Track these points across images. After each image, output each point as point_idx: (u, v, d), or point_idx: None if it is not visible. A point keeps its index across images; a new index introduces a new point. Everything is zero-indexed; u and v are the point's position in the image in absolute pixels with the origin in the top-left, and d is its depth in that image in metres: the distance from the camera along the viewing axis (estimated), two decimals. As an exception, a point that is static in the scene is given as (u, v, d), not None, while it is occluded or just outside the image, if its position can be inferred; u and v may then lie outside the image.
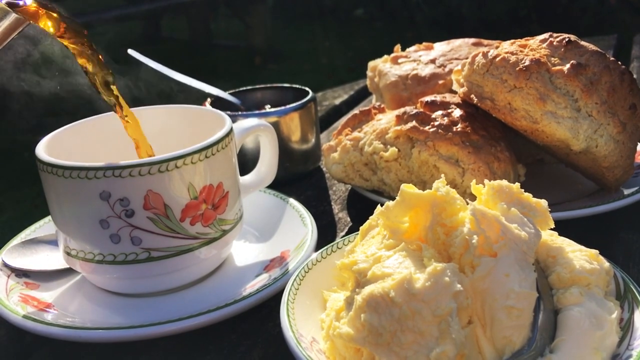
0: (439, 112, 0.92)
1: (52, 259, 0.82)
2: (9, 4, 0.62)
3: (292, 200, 0.93)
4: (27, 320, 0.68)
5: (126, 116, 0.74)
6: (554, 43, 0.87)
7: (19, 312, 0.69)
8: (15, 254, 0.82)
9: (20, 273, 0.80)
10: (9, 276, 0.79)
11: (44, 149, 0.73)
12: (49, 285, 0.79)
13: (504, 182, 0.62)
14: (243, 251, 0.87)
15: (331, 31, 7.04)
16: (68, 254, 0.74)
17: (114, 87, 0.71)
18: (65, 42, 0.66)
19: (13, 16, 0.62)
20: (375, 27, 6.93)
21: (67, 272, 0.81)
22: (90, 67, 0.69)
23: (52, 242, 0.84)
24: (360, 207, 1.03)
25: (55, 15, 0.64)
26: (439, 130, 0.89)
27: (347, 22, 7.30)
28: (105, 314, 0.74)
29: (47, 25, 0.64)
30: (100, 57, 0.68)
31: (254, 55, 6.18)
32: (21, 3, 0.63)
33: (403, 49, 1.29)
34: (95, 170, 0.67)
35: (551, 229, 0.63)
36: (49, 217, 0.89)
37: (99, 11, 5.38)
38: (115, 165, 0.67)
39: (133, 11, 5.72)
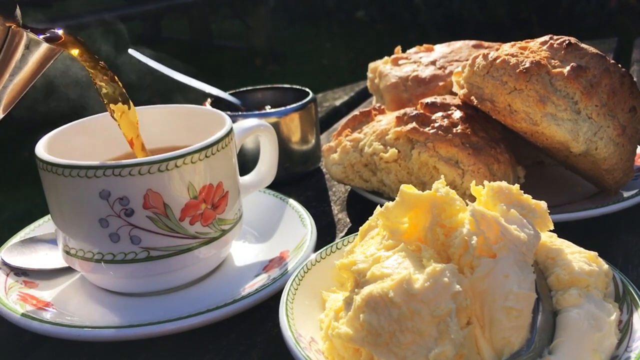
0: (439, 114, 0.92)
1: (51, 257, 0.82)
2: (46, 39, 0.68)
3: (291, 201, 0.93)
4: (25, 319, 0.68)
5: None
6: (554, 45, 0.87)
7: (18, 311, 0.69)
8: (15, 253, 0.82)
9: (19, 272, 0.80)
10: (8, 274, 0.79)
11: (43, 148, 0.73)
12: (48, 284, 0.79)
13: (504, 184, 0.62)
14: (242, 251, 0.87)
15: (332, 33, 7.04)
16: (67, 252, 0.74)
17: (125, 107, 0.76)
18: (87, 66, 0.73)
19: (46, 46, 0.68)
20: (376, 29, 6.94)
21: (66, 271, 0.81)
22: (107, 88, 0.74)
23: (52, 241, 0.84)
24: (360, 208, 1.03)
25: (81, 44, 0.72)
26: (439, 132, 0.89)
27: (348, 24, 7.30)
28: (104, 313, 0.74)
29: (75, 52, 0.71)
30: (115, 77, 0.75)
31: (254, 56, 6.19)
32: (60, 33, 0.70)
33: (403, 51, 1.29)
34: (95, 169, 0.67)
35: (550, 231, 0.63)
36: (49, 216, 0.89)
37: (101, 11, 5.39)
38: (115, 164, 0.67)
39: (134, 12, 5.71)
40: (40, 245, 0.85)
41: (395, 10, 6.96)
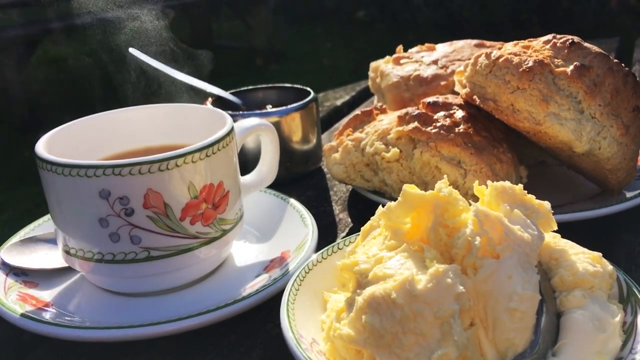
0: (441, 113, 0.92)
1: (51, 257, 0.81)
2: None
3: (292, 201, 0.92)
4: (25, 319, 0.68)
5: None
6: (558, 44, 0.86)
7: (17, 311, 0.69)
8: (14, 252, 0.81)
9: (19, 271, 0.79)
10: (7, 274, 0.78)
11: (43, 147, 0.73)
12: (47, 284, 0.78)
13: (507, 184, 0.61)
14: (243, 251, 0.86)
15: (333, 33, 7.04)
16: (67, 252, 0.74)
17: None
18: None
19: None
20: (377, 29, 6.94)
21: (66, 271, 0.80)
22: None
23: (51, 240, 0.83)
24: (361, 208, 1.03)
25: None
26: (441, 131, 0.88)
27: (348, 24, 7.30)
28: (104, 313, 0.74)
29: None
30: None
31: (255, 56, 6.19)
32: None
33: (405, 50, 1.29)
34: (95, 168, 0.66)
35: (554, 231, 0.62)
36: (49, 216, 0.89)
37: (101, 11, 5.38)
38: (115, 164, 0.67)
39: (135, 11, 5.71)
40: (40, 245, 0.84)
41: (395, 11, 6.96)
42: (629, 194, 0.91)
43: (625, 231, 0.89)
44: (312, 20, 7.48)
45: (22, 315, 0.68)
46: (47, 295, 0.76)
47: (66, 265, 0.77)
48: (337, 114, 1.71)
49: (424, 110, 0.93)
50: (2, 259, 0.80)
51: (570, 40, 0.86)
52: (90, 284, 0.79)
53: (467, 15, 6.20)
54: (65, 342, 0.69)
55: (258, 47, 6.32)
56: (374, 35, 6.65)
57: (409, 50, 1.28)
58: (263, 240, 0.88)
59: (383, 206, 0.63)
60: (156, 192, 0.68)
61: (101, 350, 0.70)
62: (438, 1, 6.48)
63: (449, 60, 1.17)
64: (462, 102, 0.95)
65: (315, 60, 6.08)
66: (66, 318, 0.70)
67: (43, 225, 0.90)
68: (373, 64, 1.30)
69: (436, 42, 1.29)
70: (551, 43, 0.87)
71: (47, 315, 0.70)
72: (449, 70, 1.14)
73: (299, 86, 1.21)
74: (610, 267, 0.60)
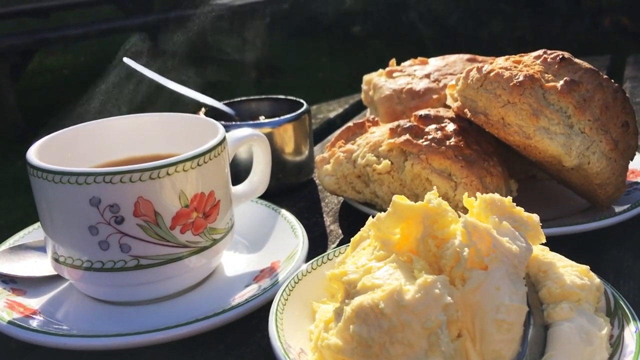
0: (433, 126, 0.93)
1: (40, 265, 0.81)
2: None
3: (283, 211, 0.92)
4: (12, 327, 0.67)
5: None
6: (548, 60, 0.87)
7: (5, 318, 0.69)
8: (3, 260, 0.81)
9: (7, 279, 0.79)
10: (-5, 282, 0.78)
11: (35, 154, 0.73)
12: (36, 292, 0.78)
13: (496, 196, 0.62)
14: (233, 261, 0.86)
15: (328, 47, 7.07)
16: (56, 260, 0.73)
17: None
18: None
19: None
20: (373, 44, 6.97)
21: (55, 279, 0.80)
22: None
23: (41, 248, 0.83)
24: (352, 220, 1.03)
25: None
26: (432, 144, 0.89)
27: (344, 39, 7.34)
28: (92, 321, 0.73)
29: None
30: None
31: (250, 69, 6.21)
32: None
33: (398, 64, 1.30)
34: (85, 175, 0.66)
35: (542, 244, 0.63)
36: (38, 224, 0.89)
37: (99, 22, 5.41)
38: (106, 171, 0.67)
39: (131, 23, 5.74)
40: (29, 253, 0.84)
41: (391, 26, 7.00)
42: (617, 209, 0.91)
43: (614, 245, 0.89)
44: (308, 34, 7.51)
45: (10, 322, 0.68)
46: (35, 303, 0.75)
47: (55, 273, 0.77)
48: (330, 126, 1.71)
49: (415, 123, 0.94)
50: (-10, 266, 0.79)
51: (560, 56, 0.87)
52: (79, 292, 0.78)
53: (462, 32, 6.25)
54: (52, 350, 0.68)
55: (253, 60, 6.35)
56: (370, 50, 6.69)
57: (402, 64, 1.29)
58: (253, 251, 0.88)
59: (373, 217, 0.63)
60: (147, 201, 0.68)
61: (88, 359, 0.70)
62: (433, 18, 6.53)
63: (441, 74, 1.18)
64: (454, 116, 0.96)
65: (309, 74, 6.11)
66: (54, 326, 0.70)
67: (33, 233, 0.90)
68: (366, 77, 1.31)
69: (431, 57, 1.30)
70: (542, 58, 0.88)
71: (34, 323, 0.69)
72: (441, 84, 1.15)
73: (292, 98, 1.22)
74: (597, 280, 0.61)
